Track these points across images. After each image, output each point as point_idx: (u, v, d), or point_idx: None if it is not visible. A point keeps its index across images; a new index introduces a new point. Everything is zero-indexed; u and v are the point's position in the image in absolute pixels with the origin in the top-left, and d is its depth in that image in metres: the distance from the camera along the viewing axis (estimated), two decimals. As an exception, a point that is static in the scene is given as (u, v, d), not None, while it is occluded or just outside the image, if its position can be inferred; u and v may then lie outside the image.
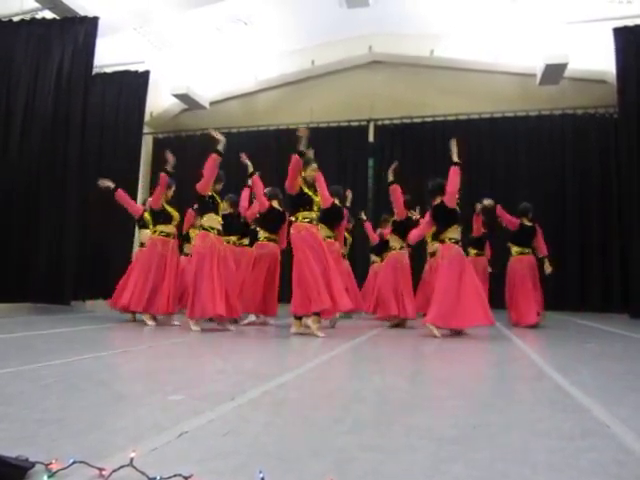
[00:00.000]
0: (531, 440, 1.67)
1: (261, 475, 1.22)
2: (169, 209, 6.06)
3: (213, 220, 5.37)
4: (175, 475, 1.24)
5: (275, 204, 6.23)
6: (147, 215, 6.64)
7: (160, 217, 6.01)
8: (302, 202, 5.08)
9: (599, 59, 8.99)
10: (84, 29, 7.82)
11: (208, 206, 5.36)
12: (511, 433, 1.75)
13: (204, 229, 5.34)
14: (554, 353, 3.90)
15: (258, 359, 3.58)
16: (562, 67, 8.58)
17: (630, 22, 7.83)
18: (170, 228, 6.07)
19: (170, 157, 5.82)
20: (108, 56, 9.02)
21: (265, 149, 11.37)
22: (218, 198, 5.51)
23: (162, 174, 5.87)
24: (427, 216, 5.64)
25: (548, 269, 6.44)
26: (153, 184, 11.66)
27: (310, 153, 5.28)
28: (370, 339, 4.85)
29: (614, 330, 6.06)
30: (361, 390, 2.46)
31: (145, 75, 9.73)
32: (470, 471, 1.37)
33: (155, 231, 6.01)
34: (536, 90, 9.69)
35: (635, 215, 7.43)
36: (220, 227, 5.43)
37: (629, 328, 6.23)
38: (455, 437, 1.68)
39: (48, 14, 8.02)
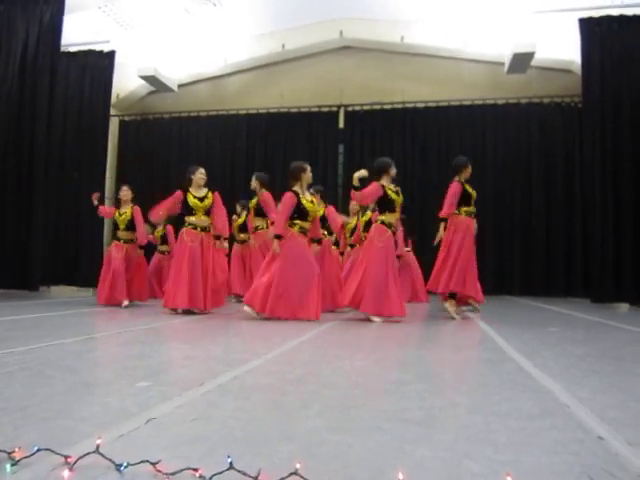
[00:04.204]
0: (494, 421, 1.71)
1: (229, 460, 1.22)
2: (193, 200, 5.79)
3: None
4: (142, 461, 1.23)
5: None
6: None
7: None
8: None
9: (565, 49, 9.13)
10: (50, 9, 7.58)
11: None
12: (475, 414, 1.79)
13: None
14: (518, 337, 4.00)
15: (227, 345, 3.57)
16: (529, 56, 8.68)
17: (595, 13, 7.97)
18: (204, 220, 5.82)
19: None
20: (72, 34, 8.72)
21: (235, 134, 11.26)
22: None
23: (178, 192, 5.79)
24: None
25: None
26: (120, 167, 11.48)
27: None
28: (338, 325, 4.88)
29: (576, 314, 6.24)
30: (330, 375, 2.48)
31: (111, 55, 9.49)
32: (435, 452, 1.41)
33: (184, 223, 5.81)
34: (504, 78, 9.79)
35: (598, 202, 7.63)
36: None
37: (590, 312, 6.43)
38: (421, 419, 1.72)
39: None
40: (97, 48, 9.53)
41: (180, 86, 10.91)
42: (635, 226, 7.43)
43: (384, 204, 5.27)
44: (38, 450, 1.28)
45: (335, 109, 10.99)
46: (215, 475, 1.18)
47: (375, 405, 1.91)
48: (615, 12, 7.88)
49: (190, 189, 5.74)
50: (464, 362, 3.08)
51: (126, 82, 10.85)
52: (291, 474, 1.17)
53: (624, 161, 7.53)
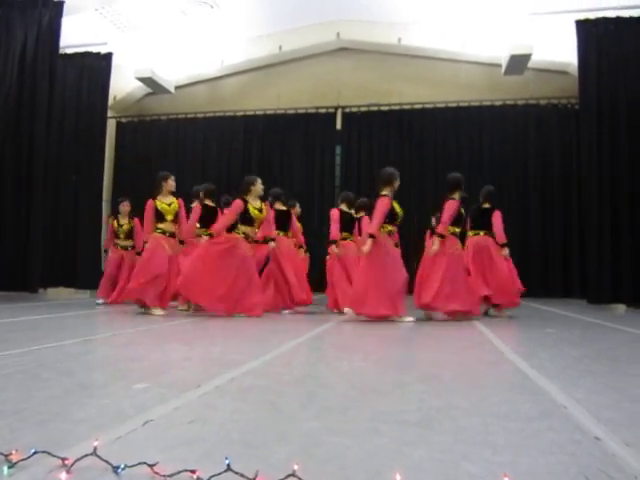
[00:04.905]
0: (492, 422, 1.71)
1: (227, 461, 1.22)
2: (253, 211, 5.69)
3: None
4: (140, 463, 1.23)
5: (278, 205, 6.33)
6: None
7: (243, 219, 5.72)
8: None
9: (562, 51, 9.16)
10: (48, 12, 7.61)
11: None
12: (473, 416, 1.79)
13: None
14: (516, 338, 4.01)
15: (224, 346, 3.56)
16: (526, 58, 8.70)
17: (592, 15, 8.00)
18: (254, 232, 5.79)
19: None
20: (69, 37, 8.73)
21: (231, 135, 11.26)
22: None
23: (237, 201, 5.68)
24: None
25: None
26: (117, 169, 11.47)
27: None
28: (336, 326, 4.88)
29: (573, 315, 6.25)
30: (328, 376, 2.48)
31: (108, 57, 9.49)
32: (433, 454, 1.40)
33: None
34: (501, 80, 9.81)
35: (595, 203, 7.64)
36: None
37: (587, 313, 6.44)
38: (419, 421, 1.72)
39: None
40: (94, 50, 9.53)
41: (177, 88, 10.91)
42: (632, 227, 7.45)
43: (454, 219, 5.52)
44: (35, 452, 1.27)
45: (332, 110, 11.01)
46: (213, 477, 1.18)
47: (373, 406, 1.91)
48: (611, 14, 7.91)
49: (249, 200, 5.67)
50: (462, 363, 3.08)
51: (123, 84, 10.84)
52: (289, 476, 1.17)
53: (621, 162, 7.55)
